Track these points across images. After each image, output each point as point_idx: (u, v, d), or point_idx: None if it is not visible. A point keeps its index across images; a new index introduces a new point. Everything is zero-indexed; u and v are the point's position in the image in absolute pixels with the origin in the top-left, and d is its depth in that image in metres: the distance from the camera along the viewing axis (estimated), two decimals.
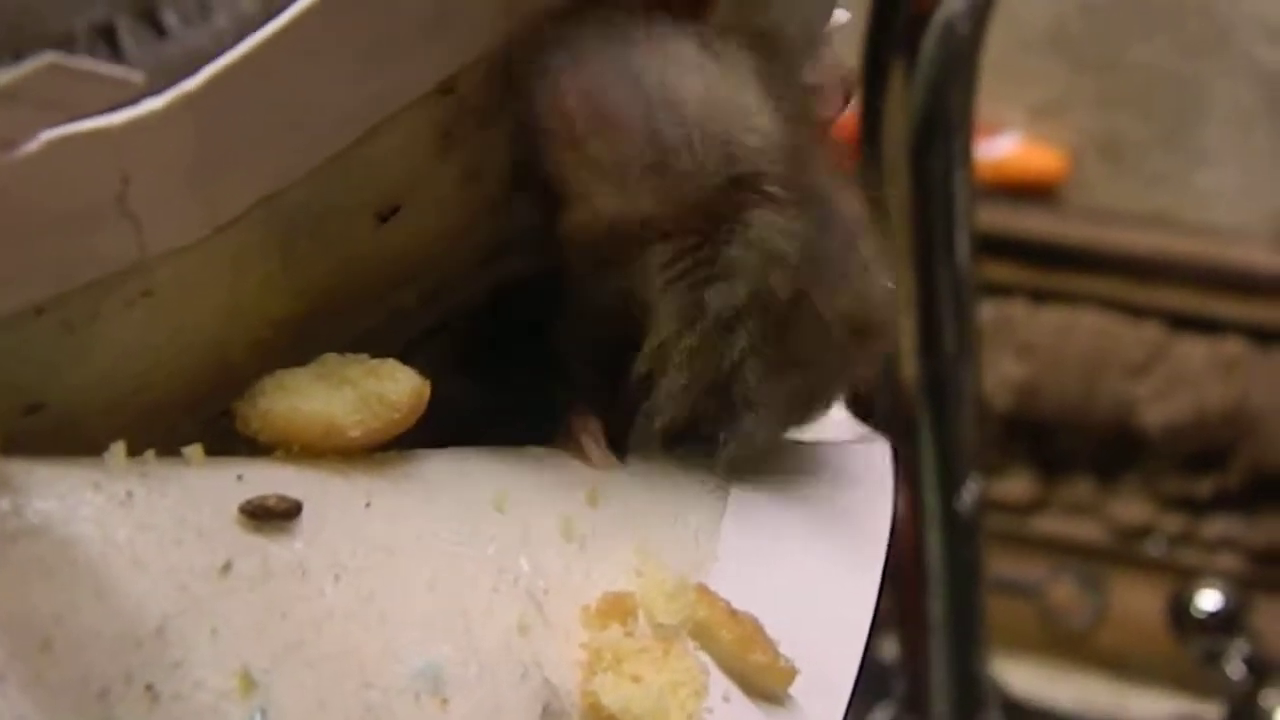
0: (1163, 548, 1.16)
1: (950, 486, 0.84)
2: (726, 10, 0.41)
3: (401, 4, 0.34)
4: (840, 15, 0.44)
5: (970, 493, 0.84)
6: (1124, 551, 1.17)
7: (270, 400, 0.36)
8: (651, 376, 0.41)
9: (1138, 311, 1.15)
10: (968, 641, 0.88)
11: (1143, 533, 1.17)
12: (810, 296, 0.41)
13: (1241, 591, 1.06)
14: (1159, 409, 1.14)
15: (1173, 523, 1.16)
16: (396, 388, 0.36)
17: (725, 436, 0.42)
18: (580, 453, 0.41)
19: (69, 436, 0.33)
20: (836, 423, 0.47)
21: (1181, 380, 1.13)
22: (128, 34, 0.38)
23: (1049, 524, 1.19)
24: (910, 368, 0.81)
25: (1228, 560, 1.14)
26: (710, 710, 0.37)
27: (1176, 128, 1.18)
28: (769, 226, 0.40)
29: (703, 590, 0.38)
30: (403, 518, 0.36)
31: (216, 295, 0.36)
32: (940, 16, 0.73)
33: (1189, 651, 1.05)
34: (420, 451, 0.38)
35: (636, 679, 0.36)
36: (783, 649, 0.38)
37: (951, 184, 0.77)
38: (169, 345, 0.36)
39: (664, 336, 0.41)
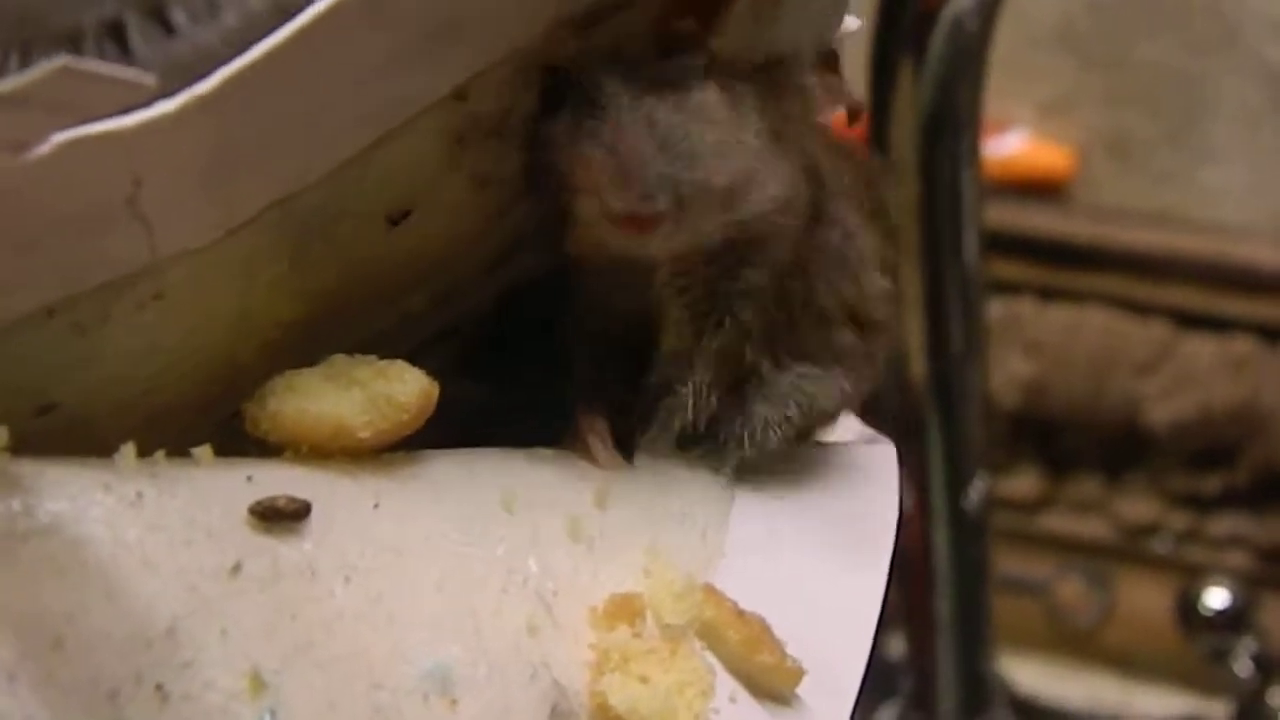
0: (1170, 545, 1.16)
1: (957, 484, 0.84)
2: (739, 24, 0.41)
3: (415, 10, 0.34)
4: (851, 23, 0.45)
5: (977, 490, 0.84)
6: (1131, 549, 1.17)
7: (279, 401, 0.36)
8: (668, 379, 0.42)
9: (1145, 309, 1.14)
10: (975, 639, 0.88)
11: (1150, 530, 1.17)
12: (816, 296, 0.42)
13: (1249, 589, 1.06)
14: (1167, 407, 1.14)
15: (1180, 520, 1.16)
16: (405, 389, 0.36)
17: (736, 439, 0.42)
18: (588, 453, 0.41)
19: (80, 437, 0.33)
20: (842, 423, 0.47)
21: (1189, 378, 1.13)
22: (136, 31, 0.38)
23: (1056, 522, 1.18)
24: (918, 366, 0.81)
25: (1235, 558, 1.14)
26: (717, 711, 0.37)
27: (1184, 125, 1.18)
28: (777, 260, 0.41)
29: (710, 591, 0.39)
30: (411, 518, 0.36)
31: (227, 298, 0.36)
32: (948, 13, 0.73)
33: (1196, 649, 1.04)
34: (428, 452, 0.38)
35: (644, 679, 0.36)
36: (790, 649, 0.38)
37: (959, 182, 0.77)
38: (180, 347, 0.36)
39: (679, 343, 0.41)
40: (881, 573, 0.42)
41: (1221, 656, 1.03)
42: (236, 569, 0.33)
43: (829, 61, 0.42)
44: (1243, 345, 1.13)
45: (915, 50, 0.74)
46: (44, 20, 0.38)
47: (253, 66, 0.32)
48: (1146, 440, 1.16)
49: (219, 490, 0.34)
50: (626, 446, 0.42)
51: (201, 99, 0.32)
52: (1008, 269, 1.14)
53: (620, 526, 0.39)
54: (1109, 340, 1.15)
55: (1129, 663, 1.15)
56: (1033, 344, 1.17)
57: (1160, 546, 1.16)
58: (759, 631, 0.38)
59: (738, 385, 0.42)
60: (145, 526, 0.32)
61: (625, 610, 0.37)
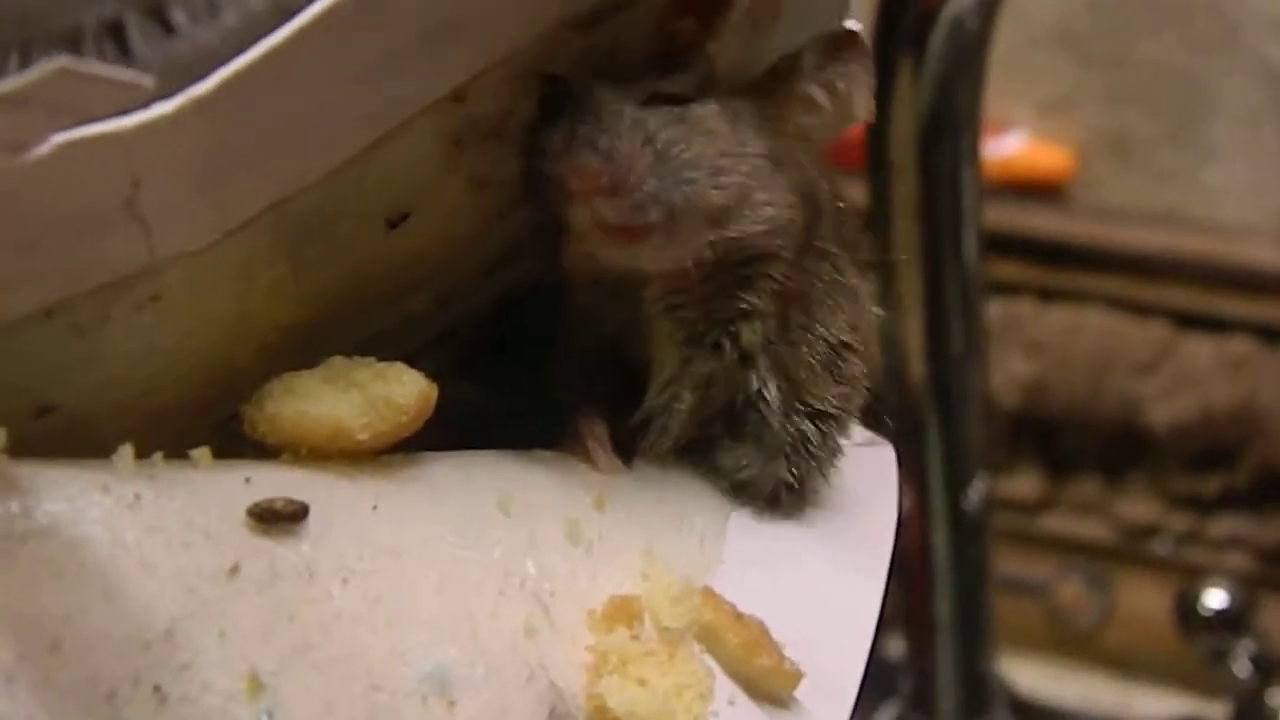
0: (1170, 547, 1.16)
1: (957, 485, 0.84)
2: (737, 28, 0.41)
3: (412, 11, 0.34)
4: (852, 25, 0.44)
5: (977, 491, 0.84)
6: (1131, 550, 1.17)
7: (278, 403, 0.36)
8: (662, 398, 0.42)
9: (1145, 310, 1.14)
10: (974, 640, 0.88)
11: (1150, 532, 1.17)
12: (819, 324, 0.42)
13: (1248, 590, 1.06)
14: (1166, 407, 1.14)
15: (1180, 521, 1.16)
16: (404, 391, 0.36)
17: (741, 474, 0.42)
18: (587, 457, 0.41)
19: (78, 439, 0.33)
20: None
21: (1189, 379, 1.13)
22: (136, 31, 0.38)
23: (1056, 523, 1.18)
24: (918, 366, 0.81)
25: (1235, 559, 1.14)
26: (715, 714, 0.37)
27: (1184, 125, 1.17)
28: (770, 278, 0.41)
29: (708, 594, 0.39)
30: (409, 521, 0.36)
31: (225, 300, 0.36)
32: (949, 13, 0.73)
33: (1196, 650, 1.04)
34: (427, 455, 0.38)
35: (642, 682, 0.36)
36: (788, 652, 0.38)
37: (959, 182, 0.77)
38: (178, 349, 0.36)
39: (671, 362, 0.41)
40: (880, 575, 0.42)
41: (1221, 657, 1.03)
42: (234, 571, 0.33)
43: (842, 44, 0.41)
44: (1242, 346, 1.13)
45: (915, 50, 0.74)
46: (44, 20, 0.38)
47: (250, 68, 0.32)
48: (1146, 441, 1.16)
49: (217, 492, 0.34)
50: (625, 450, 0.42)
51: (199, 100, 0.32)
52: (1008, 269, 1.14)
53: (618, 530, 0.39)
54: (1108, 341, 1.15)
55: (1128, 663, 1.15)
56: (1032, 344, 1.17)
57: (1160, 547, 1.17)
58: (758, 634, 0.38)
59: (738, 417, 0.42)
60: (143, 528, 0.32)
61: (623, 613, 0.37)
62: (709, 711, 0.36)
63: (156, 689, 0.31)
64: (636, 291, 0.41)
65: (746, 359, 0.41)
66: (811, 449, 0.42)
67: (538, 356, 0.43)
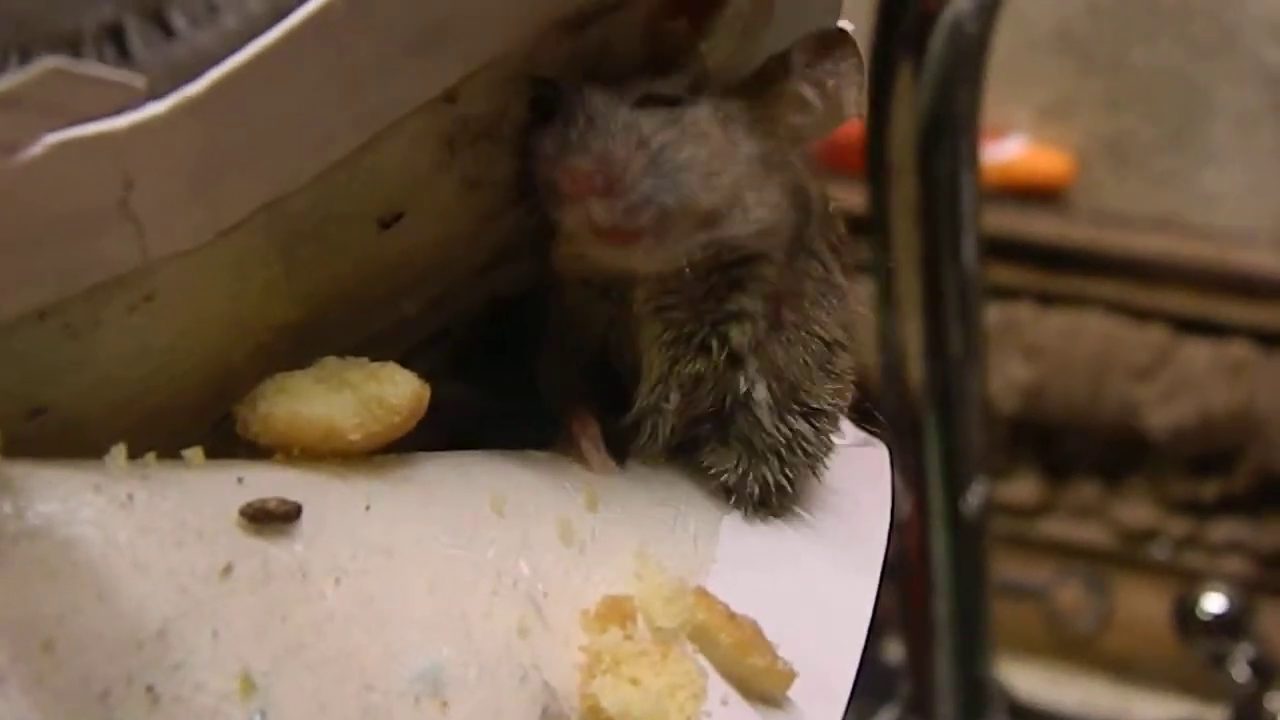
0: (1168, 551, 1.16)
1: (956, 489, 0.84)
2: (729, 28, 0.41)
3: (403, 13, 0.34)
4: (844, 26, 0.44)
5: (976, 495, 0.84)
6: (1129, 554, 1.17)
7: (271, 404, 0.36)
8: (651, 397, 0.42)
9: (1143, 314, 1.15)
10: (973, 644, 0.88)
11: (1148, 536, 1.17)
12: (812, 322, 0.42)
13: (1247, 595, 1.06)
14: (1164, 412, 1.14)
15: (1178, 526, 1.16)
16: (396, 391, 0.36)
17: (730, 477, 0.42)
18: (580, 457, 0.41)
19: (71, 440, 0.33)
20: None
21: (1187, 383, 1.13)
22: (136, 34, 0.38)
23: (1054, 527, 1.18)
24: (916, 370, 0.81)
25: (1233, 563, 1.14)
26: (709, 713, 0.37)
27: (1183, 129, 1.18)
28: (760, 280, 0.41)
29: (701, 594, 0.39)
30: (402, 521, 0.36)
31: (218, 300, 0.36)
32: (948, 16, 0.73)
33: (1194, 655, 1.04)
34: (420, 455, 0.38)
35: (635, 682, 0.36)
36: (781, 652, 0.38)
37: (958, 185, 0.77)
38: (171, 349, 0.36)
39: (659, 362, 0.41)
40: (874, 575, 0.42)
41: (1219, 661, 1.03)
42: (227, 571, 0.33)
43: (828, 43, 0.41)
44: (1241, 350, 1.13)
45: (914, 53, 0.74)
46: (44, 23, 0.38)
47: (242, 69, 0.32)
48: (1145, 445, 1.16)
49: (210, 492, 0.34)
50: (618, 450, 0.42)
51: (191, 101, 0.32)
52: (1007, 273, 1.14)
53: (612, 530, 0.40)
54: (1107, 345, 1.15)
55: (1127, 668, 1.15)
56: (1031, 349, 1.17)
57: (1158, 552, 1.17)
58: (751, 634, 0.38)
59: (727, 417, 0.42)
60: (136, 528, 0.32)
61: (617, 613, 0.37)
62: (702, 711, 0.36)
63: (149, 689, 0.31)
64: (626, 293, 0.41)
65: (735, 360, 0.41)
66: (806, 447, 0.42)
67: (531, 357, 0.43)
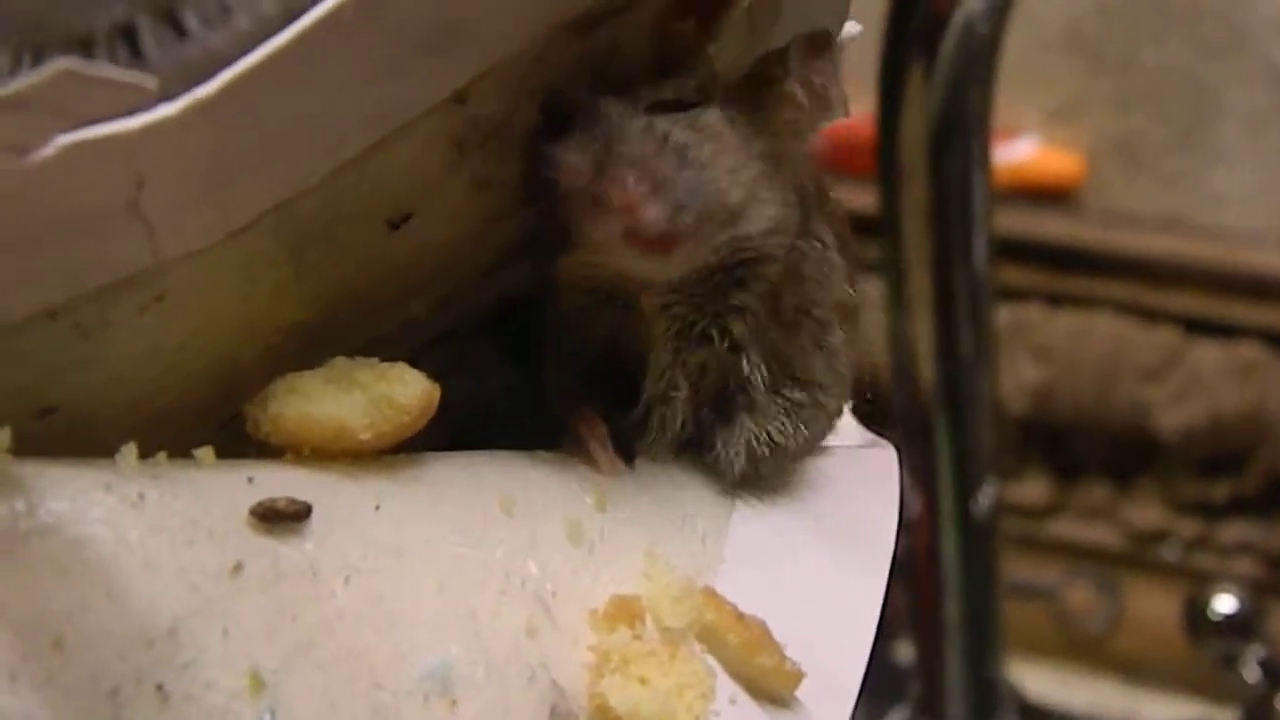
0: (1178, 552, 1.16)
1: (966, 490, 0.84)
2: (736, 30, 0.41)
3: (414, 14, 0.34)
4: (851, 28, 0.45)
5: (986, 496, 0.84)
6: (1139, 556, 1.17)
7: (281, 403, 0.36)
8: (659, 390, 0.42)
9: (1154, 315, 1.15)
10: (983, 645, 0.88)
11: (1158, 537, 1.17)
12: (810, 303, 0.42)
13: (1257, 596, 1.06)
14: (1174, 413, 1.14)
15: (1188, 527, 1.16)
16: (406, 391, 0.36)
17: (727, 453, 0.42)
18: (588, 457, 0.41)
19: (82, 439, 0.34)
20: (844, 428, 0.47)
21: (1197, 384, 1.13)
22: (149, 34, 0.38)
23: (1065, 528, 1.18)
24: (927, 371, 0.81)
25: (1243, 564, 1.14)
26: (717, 713, 0.37)
27: (1192, 129, 1.18)
28: (763, 280, 0.41)
29: (710, 594, 0.39)
30: (412, 521, 0.36)
31: (228, 301, 0.36)
32: (959, 17, 0.73)
33: (1204, 656, 1.04)
34: (429, 455, 0.38)
35: (644, 681, 0.36)
36: (789, 652, 0.38)
37: (969, 186, 0.77)
38: (181, 349, 0.36)
39: (666, 355, 0.41)
40: (881, 576, 0.42)
41: (1230, 663, 1.03)
42: (238, 569, 0.33)
43: (817, 43, 0.41)
44: (1251, 351, 1.13)
45: (926, 54, 0.74)
46: (57, 23, 0.38)
47: (253, 70, 0.32)
48: (1154, 446, 1.16)
49: (220, 491, 0.34)
50: (626, 451, 0.42)
51: (203, 102, 0.32)
52: (1017, 274, 1.14)
53: (620, 530, 0.40)
54: (1117, 346, 1.15)
55: (1137, 669, 1.15)
56: (1041, 349, 1.17)
57: (1168, 553, 1.17)
58: (759, 634, 0.38)
59: (728, 399, 0.42)
60: (147, 527, 0.32)
61: (625, 613, 0.37)
62: (710, 711, 0.36)
63: (159, 687, 0.31)
64: (633, 296, 0.41)
65: (736, 348, 0.42)
66: (803, 416, 0.43)
67: (539, 357, 0.44)
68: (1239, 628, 1.03)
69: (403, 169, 0.37)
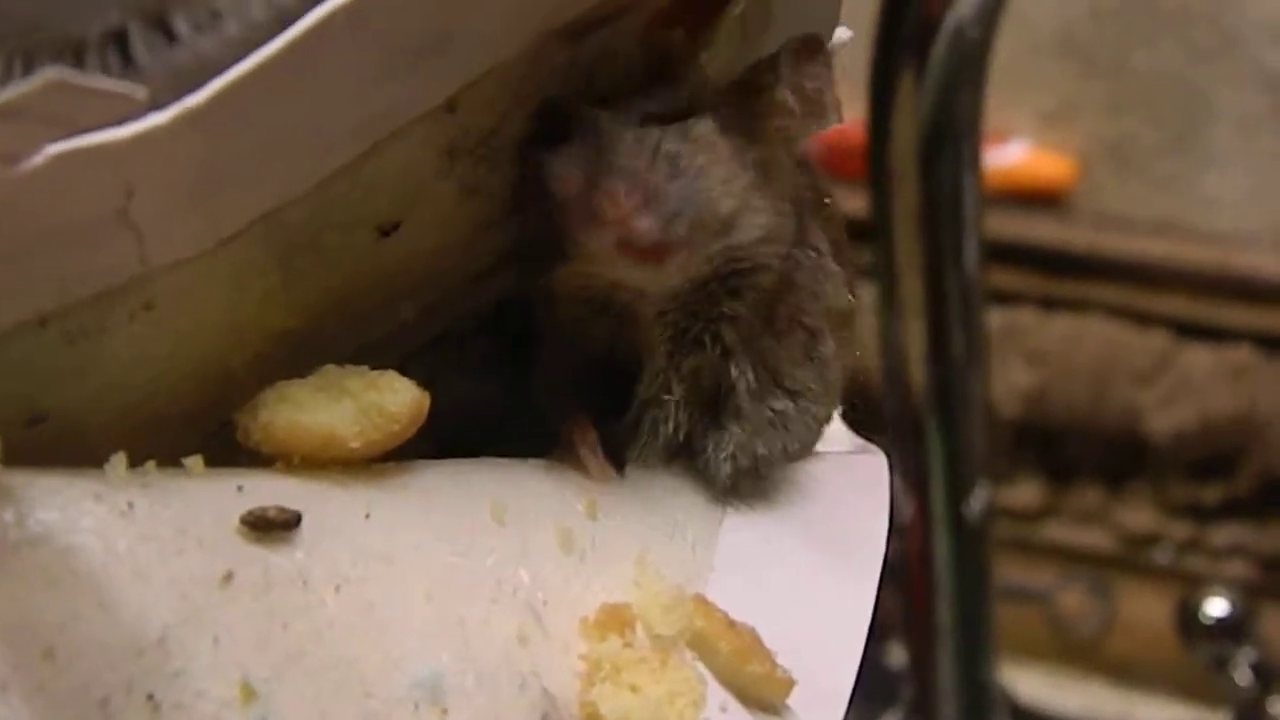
0: (1170, 555, 1.16)
1: (958, 493, 0.84)
2: (727, 37, 0.41)
3: (404, 22, 0.34)
4: (842, 33, 0.45)
5: (978, 499, 0.84)
6: (1132, 559, 1.17)
7: (271, 412, 0.36)
8: (651, 395, 0.42)
9: (1145, 319, 1.15)
10: (976, 648, 0.88)
11: (1150, 540, 1.17)
12: (803, 312, 0.42)
13: (1249, 599, 1.06)
14: (1166, 416, 1.14)
15: (1180, 530, 1.16)
16: (396, 399, 0.36)
17: (716, 459, 0.42)
18: (579, 465, 0.41)
19: (71, 448, 0.34)
20: (833, 434, 0.47)
21: (1189, 387, 1.13)
22: (140, 40, 0.38)
23: (1057, 531, 1.19)
24: (919, 374, 0.81)
25: (1235, 567, 1.14)
26: None
27: (1184, 133, 1.18)
28: (755, 289, 0.41)
29: (700, 601, 0.39)
30: (402, 529, 0.36)
31: (217, 308, 0.36)
32: (950, 21, 0.73)
33: (1196, 658, 1.05)
34: (419, 463, 0.38)
35: (635, 689, 0.36)
36: (780, 659, 0.38)
37: (960, 190, 0.77)
38: (170, 358, 0.36)
39: (658, 361, 0.41)
40: (872, 582, 0.42)
41: (1221, 665, 1.03)
42: (228, 578, 0.33)
43: (809, 48, 0.41)
44: (1242, 354, 1.13)
45: (917, 58, 0.74)
46: (48, 30, 0.38)
47: (243, 79, 0.32)
48: (1147, 449, 1.16)
49: (210, 500, 0.34)
50: (617, 458, 0.42)
51: (192, 111, 0.32)
52: (1008, 278, 1.14)
53: (611, 538, 0.40)
54: (1109, 349, 1.15)
55: (1129, 672, 1.15)
56: (1033, 353, 1.17)
57: (1161, 556, 1.17)
58: (750, 642, 0.38)
59: (719, 405, 0.42)
60: (136, 536, 0.32)
61: (616, 621, 0.37)
62: (701, 718, 0.36)
63: (149, 697, 0.31)
64: (628, 306, 0.41)
65: (727, 355, 0.42)
66: (790, 424, 0.43)
67: (530, 365, 0.44)
68: (1231, 630, 1.03)
69: (393, 177, 0.37)
